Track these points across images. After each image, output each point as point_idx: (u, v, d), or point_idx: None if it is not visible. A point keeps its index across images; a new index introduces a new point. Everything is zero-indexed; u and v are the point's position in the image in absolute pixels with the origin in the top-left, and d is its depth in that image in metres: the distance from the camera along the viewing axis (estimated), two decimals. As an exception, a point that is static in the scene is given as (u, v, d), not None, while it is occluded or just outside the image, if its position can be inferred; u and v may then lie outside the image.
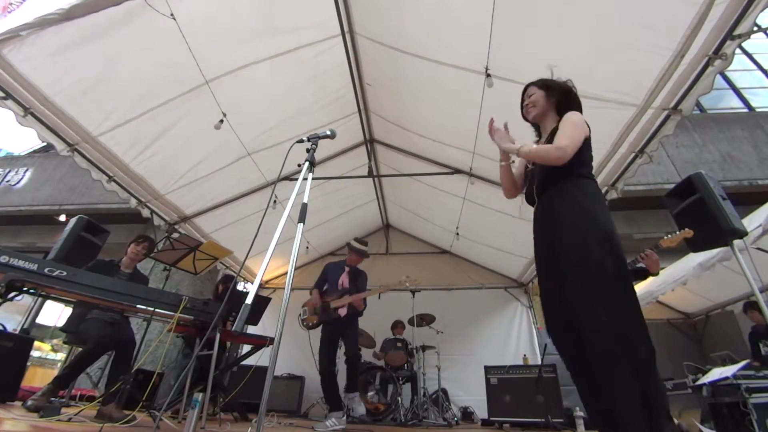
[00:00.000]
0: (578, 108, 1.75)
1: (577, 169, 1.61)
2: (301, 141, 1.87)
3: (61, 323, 3.02)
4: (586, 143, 1.68)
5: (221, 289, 4.35)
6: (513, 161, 1.87)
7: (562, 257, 1.46)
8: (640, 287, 5.46)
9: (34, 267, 1.95)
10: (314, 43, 3.36)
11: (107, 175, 3.45)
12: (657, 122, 2.72)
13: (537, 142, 1.84)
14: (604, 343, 1.29)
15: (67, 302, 2.50)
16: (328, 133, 1.92)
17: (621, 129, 2.87)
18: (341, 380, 3.47)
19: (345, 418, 3.16)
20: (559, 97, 1.77)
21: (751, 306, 4.29)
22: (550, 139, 1.69)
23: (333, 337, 3.47)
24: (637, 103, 2.64)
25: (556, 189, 1.62)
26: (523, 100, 1.87)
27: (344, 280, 3.60)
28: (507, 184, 1.90)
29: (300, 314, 3.73)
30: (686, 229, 2.57)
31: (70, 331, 2.92)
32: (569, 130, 1.62)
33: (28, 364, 3.36)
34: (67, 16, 2.23)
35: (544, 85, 1.81)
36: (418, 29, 3.08)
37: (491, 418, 4.15)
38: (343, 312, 3.42)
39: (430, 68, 3.24)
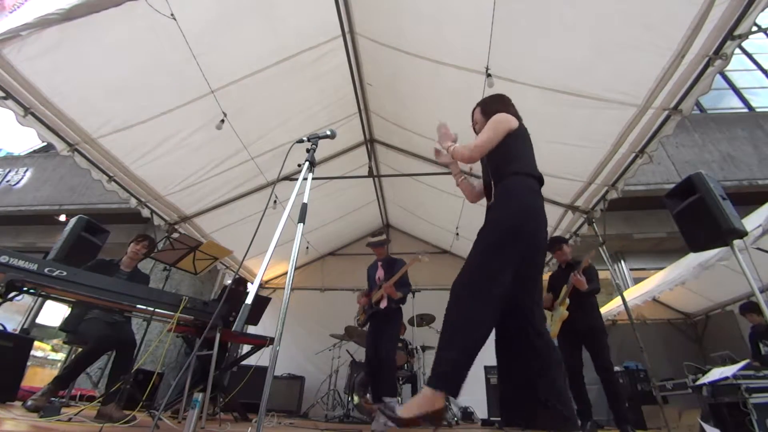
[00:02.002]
0: (503, 108, 1.87)
1: (505, 168, 1.68)
2: (301, 141, 1.87)
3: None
4: (514, 139, 1.74)
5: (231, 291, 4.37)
6: (464, 177, 2.03)
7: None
8: (640, 288, 5.47)
9: (34, 267, 1.95)
10: (316, 46, 3.35)
11: (107, 175, 3.45)
12: (657, 122, 2.72)
13: None
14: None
15: (67, 302, 2.51)
16: (328, 133, 1.92)
17: (621, 129, 2.88)
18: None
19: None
20: (488, 109, 1.90)
21: (747, 308, 4.31)
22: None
23: (373, 330, 3.56)
24: (638, 103, 2.64)
25: (492, 197, 1.72)
26: (473, 122, 2.04)
27: (380, 273, 3.68)
28: (466, 193, 2.06)
29: (355, 317, 3.97)
30: (588, 255, 3.22)
31: (69, 331, 2.92)
32: (484, 132, 1.75)
33: (28, 364, 3.35)
34: (68, 16, 2.22)
35: (479, 104, 2.00)
36: (419, 29, 3.08)
37: (491, 418, 4.16)
38: (383, 304, 3.46)
39: (430, 68, 3.24)
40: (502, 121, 1.75)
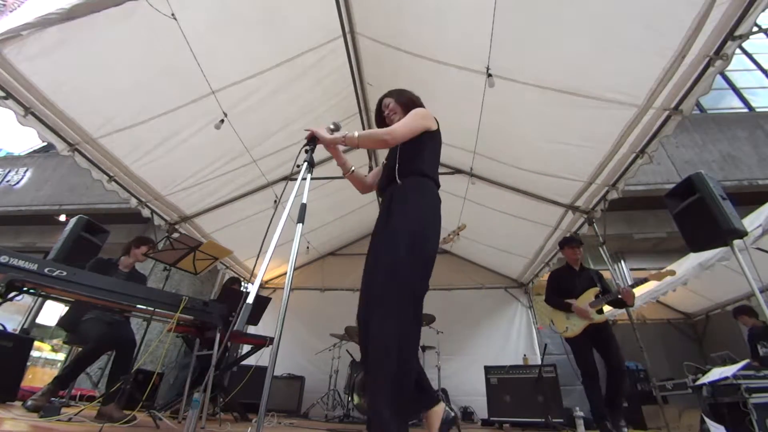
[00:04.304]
0: (422, 104, 1.93)
1: (418, 165, 1.70)
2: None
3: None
4: (430, 139, 1.76)
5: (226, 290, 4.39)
6: (353, 170, 2.00)
7: (380, 250, 1.57)
8: (640, 288, 5.47)
9: (34, 267, 1.95)
10: (317, 47, 3.35)
11: (108, 174, 3.44)
12: (658, 122, 2.72)
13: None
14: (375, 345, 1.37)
15: (67, 302, 2.51)
16: (332, 127, 1.89)
17: (622, 129, 2.88)
18: None
19: None
20: (407, 102, 1.91)
21: (740, 311, 4.33)
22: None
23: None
24: (638, 104, 2.64)
25: (396, 185, 1.69)
26: (382, 111, 1.99)
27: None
28: (357, 186, 2.04)
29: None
30: (668, 269, 3.15)
31: (67, 329, 2.93)
32: (406, 119, 1.73)
33: (28, 364, 3.35)
34: (68, 15, 2.22)
35: (392, 94, 1.96)
36: (420, 29, 3.08)
37: (491, 418, 4.15)
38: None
39: (431, 68, 3.24)
40: (427, 116, 1.76)
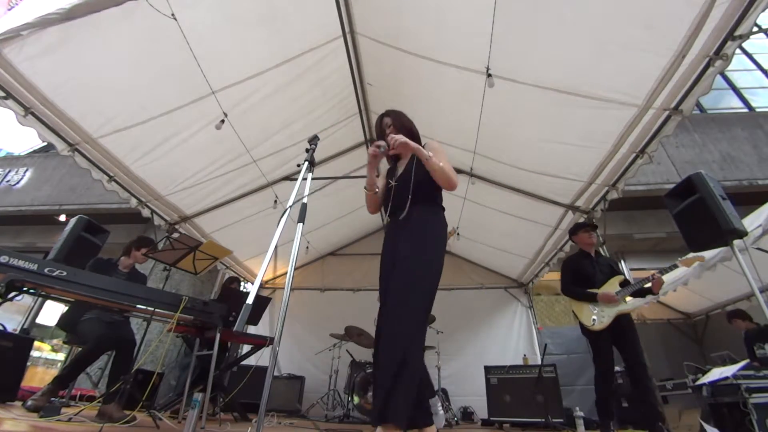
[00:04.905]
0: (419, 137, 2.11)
1: (433, 196, 1.94)
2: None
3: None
4: None
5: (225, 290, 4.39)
6: (377, 191, 2.16)
7: (402, 264, 1.76)
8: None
9: (34, 267, 1.95)
10: (317, 47, 3.35)
11: (108, 174, 3.44)
12: (658, 122, 2.72)
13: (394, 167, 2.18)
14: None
15: (66, 302, 2.51)
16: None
17: (622, 129, 2.88)
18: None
19: None
20: (406, 127, 2.08)
21: (732, 315, 4.31)
22: (412, 160, 2.00)
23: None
24: (638, 104, 2.64)
25: (417, 211, 1.88)
26: (383, 129, 2.14)
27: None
28: (371, 205, 2.23)
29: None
30: (700, 254, 2.93)
31: (67, 330, 2.93)
32: (442, 159, 1.88)
33: (28, 364, 3.35)
34: (68, 15, 2.22)
35: (394, 115, 2.13)
36: (420, 29, 3.07)
37: (491, 418, 4.15)
38: None
39: (431, 68, 3.24)
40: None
